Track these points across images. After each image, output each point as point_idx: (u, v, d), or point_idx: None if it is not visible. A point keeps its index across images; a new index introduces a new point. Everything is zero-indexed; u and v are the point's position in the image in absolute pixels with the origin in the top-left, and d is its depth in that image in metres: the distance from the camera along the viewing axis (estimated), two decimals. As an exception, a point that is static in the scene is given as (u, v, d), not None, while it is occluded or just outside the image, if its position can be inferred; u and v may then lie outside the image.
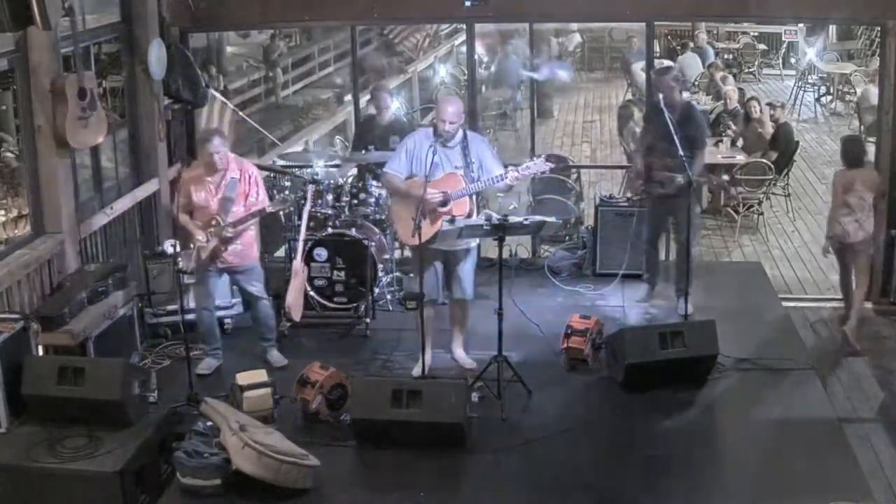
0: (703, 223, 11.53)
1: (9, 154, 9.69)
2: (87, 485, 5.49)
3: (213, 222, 6.86)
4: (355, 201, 8.24)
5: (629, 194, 8.17)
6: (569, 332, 7.11)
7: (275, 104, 17.64)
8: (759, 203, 11.59)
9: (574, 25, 20.05)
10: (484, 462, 5.93)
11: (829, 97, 17.53)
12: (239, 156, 7.31)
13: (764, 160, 11.58)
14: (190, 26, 9.14)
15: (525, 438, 6.16)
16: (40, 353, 6.42)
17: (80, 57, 7.19)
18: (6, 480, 5.58)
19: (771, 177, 11.47)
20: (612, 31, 21.64)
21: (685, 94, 14.54)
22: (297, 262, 7.61)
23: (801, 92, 17.54)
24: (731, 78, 15.82)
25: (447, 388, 6.12)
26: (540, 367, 7.02)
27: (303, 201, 7.83)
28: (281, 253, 8.55)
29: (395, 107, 9.27)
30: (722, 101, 13.74)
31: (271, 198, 7.43)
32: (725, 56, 19.60)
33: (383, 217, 8.17)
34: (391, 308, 8.11)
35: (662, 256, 8.78)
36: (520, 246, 9.49)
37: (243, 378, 6.41)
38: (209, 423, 5.79)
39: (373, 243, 7.93)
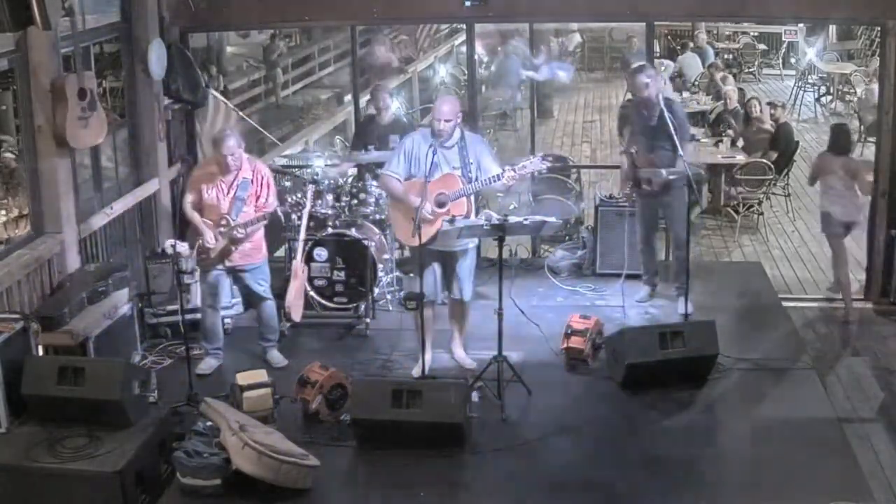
0: (703, 223, 11.58)
1: (8, 154, 9.69)
2: (87, 485, 5.49)
3: (224, 222, 6.85)
4: (355, 201, 8.24)
5: (619, 194, 8.18)
6: (569, 332, 7.11)
7: (275, 104, 17.64)
8: (759, 203, 11.59)
9: (574, 25, 20.05)
10: (484, 462, 5.93)
11: (829, 97, 17.53)
12: (250, 156, 7.30)
13: (764, 160, 11.58)
14: (190, 26, 9.14)
15: (525, 438, 6.16)
16: (40, 353, 6.42)
17: (80, 57, 7.19)
18: (6, 480, 5.58)
19: (771, 177, 11.47)
20: (612, 31, 21.64)
21: (684, 94, 14.61)
22: (297, 262, 7.62)
23: (801, 92, 17.54)
24: (731, 78, 15.80)
25: (447, 388, 6.12)
26: (540, 367, 7.02)
27: (303, 201, 7.83)
28: (281, 253, 8.55)
29: (395, 107, 9.26)
30: (722, 101, 13.74)
31: (282, 201, 7.43)
32: (725, 56, 19.60)
33: (383, 217, 8.17)
34: (391, 308, 8.11)
35: (661, 256, 8.80)
36: (520, 246, 9.49)
37: (243, 378, 6.41)
38: (209, 423, 5.79)
39: (373, 243, 7.93)
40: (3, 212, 8.88)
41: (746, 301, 8.25)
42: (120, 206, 8.14)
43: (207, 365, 7.15)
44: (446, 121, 6.58)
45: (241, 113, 11.38)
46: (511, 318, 7.04)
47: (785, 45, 20.54)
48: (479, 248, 7.39)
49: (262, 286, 7.15)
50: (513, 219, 6.52)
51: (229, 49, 18.08)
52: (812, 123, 16.57)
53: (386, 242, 8.23)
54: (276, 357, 7.26)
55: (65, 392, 5.95)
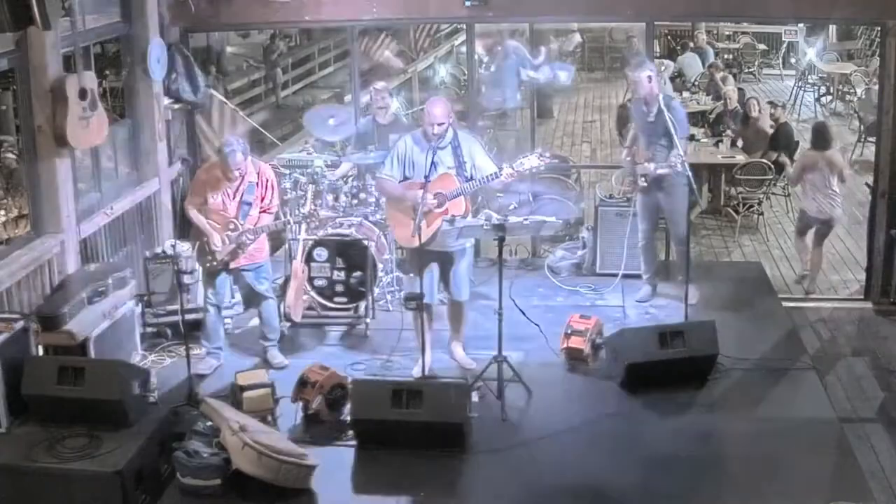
0: (702, 223, 11.58)
1: (10, 155, 9.69)
2: (87, 485, 5.49)
3: (232, 226, 6.86)
4: (355, 201, 8.24)
5: (619, 193, 8.19)
6: (569, 332, 7.11)
7: (275, 104, 17.64)
8: (759, 203, 11.58)
9: (574, 25, 20.04)
10: (484, 462, 5.93)
11: (829, 97, 17.53)
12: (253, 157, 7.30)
13: (764, 160, 11.58)
14: (190, 26, 9.14)
15: (525, 438, 6.16)
16: (40, 353, 6.42)
17: (80, 57, 7.19)
18: (6, 480, 5.58)
19: (771, 177, 11.47)
20: (612, 31, 21.64)
21: (684, 94, 14.61)
22: (297, 262, 7.61)
23: (801, 92, 17.52)
24: (731, 78, 15.81)
25: (447, 388, 6.13)
26: (540, 367, 7.02)
27: (303, 201, 7.82)
28: (281, 253, 8.55)
29: (395, 107, 9.25)
30: (722, 101, 13.74)
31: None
32: (725, 56, 19.60)
33: (383, 217, 8.17)
34: (391, 308, 8.11)
35: (662, 256, 8.79)
36: (520, 246, 9.49)
37: (243, 378, 6.41)
38: (209, 423, 5.79)
39: (373, 243, 7.93)
40: (2, 212, 8.89)
41: (746, 301, 8.24)
42: (120, 206, 8.14)
43: (207, 365, 7.15)
44: (439, 124, 6.59)
45: (241, 113, 11.39)
46: (511, 318, 7.04)
47: (785, 45, 20.53)
48: (476, 247, 7.38)
49: (264, 285, 7.16)
50: (513, 219, 6.53)
51: (229, 49, 18.08)
52: (812, 123, 16.56)
53: (386, 242, 8.24)
54: (277, 357, 7.26)
55: (65, 392, 5.95)
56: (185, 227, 7.31)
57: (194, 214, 6.96)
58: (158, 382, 6.50)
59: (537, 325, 7.52)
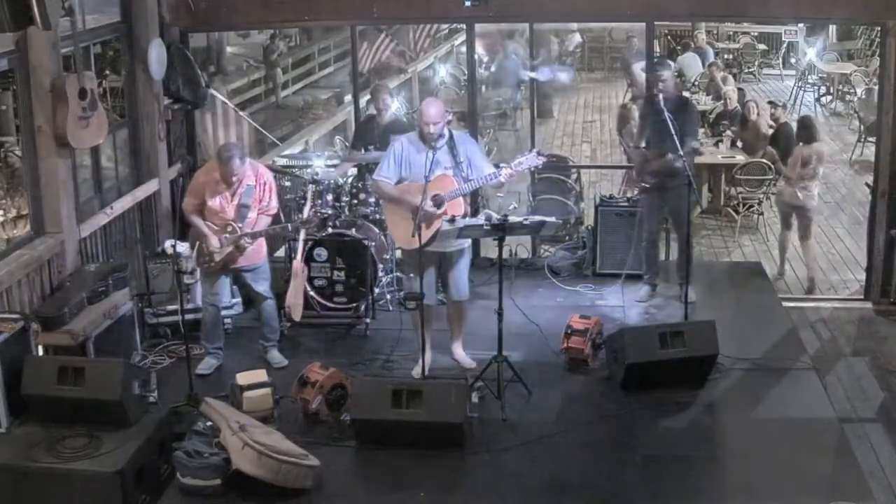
0: (702, 223, 11.59)
1: (14, 154, 9.70)
2: (87, 485, 5.49)
3: (230, 228, 6.86)
4: (355, 201, 8.24)
5: (629, 193, 8.18)
6: (569, 332, 7.11)
7: (275, 104, 17.65)
8: (759, 203, 11.59)
9: (574, 25, 20.04)
10: (484, 462, 5.93)
11: (829, 97, 17.53)
12: (251, 159, 7.30)
13: (764, 160, 11.58)
14: (190, 26, 9.14)
15: (525, 438, 6.16)
16: (40, 353, 6.42)
17: (80, 57, 7.19)
18: (6, 480, 5.58)
19: (771, 177, 11.47)
20: (612, 31, 21.64)
21: (684, 94, 14.60)
22: (297, 262, 7.62)
23: (801, 92, 17.53)
24: (731, 78, 15.81)
25: (447, 388, 6.12)
26: (540, 367, 7.02)
27: (302, 201, 7.82)
28: (281, 253, 8.56)
29: (395, 107, 9.26)
30: (722, 101, 13.74)
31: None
32: (725, 56, 19.60)
33: (383, 217, 8.17)
34: (391, 308, 8.11)
35: (662, 256, 8.79)
36: (520, 246, 9.49)
37: (243, 378, 6.41)
38: (209, 423, 5.79)
39: (373, 243, 7.93)
40: (2, 212, 8.89)
41: (746, 301, 8.25)
42: (120, 206, 8.14)
43: (207, 365, 7.15)
44: (434, 124, 6.58)
45: (241, 113, 11.39)
46: (511, 318, 7.05)
47: (785, 45, 20.54)
48: (474, 247, 7.37)
49: (262, 285, 7.16)
50: (513, 219, 6.52)
51: (229, 49, 18.10)
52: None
53: (386, 242, 8.23)
54: (276, 357, 7.26)
55: (65, 392, 5.95)
56: (184, 228, 7.31)
57: (191, 215, 6.97)
58: (158, 382, 6.49)
59: (537, 325, 7.52)
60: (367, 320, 7.82)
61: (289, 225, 7.10)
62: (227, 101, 10.96)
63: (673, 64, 17.37)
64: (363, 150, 8.67)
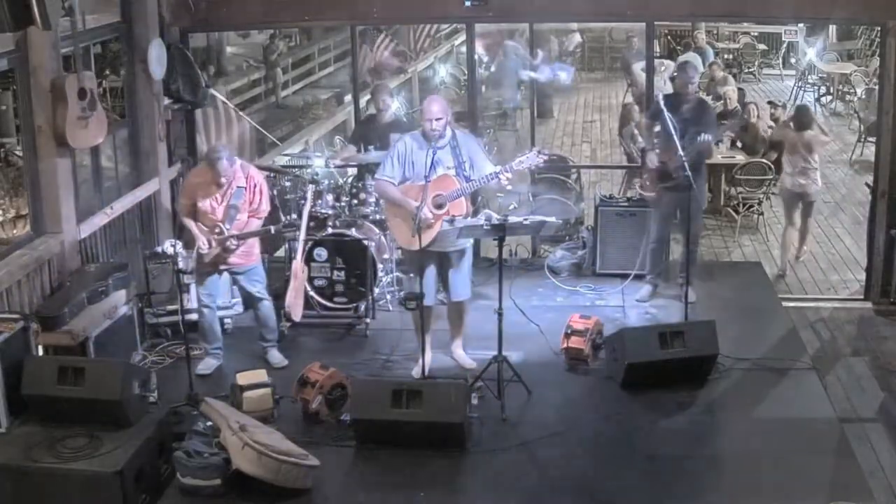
0: (703, 223, 11.57)
1: (14, 155, 9.71)
2: (87, 485, 5.48)
3: (217, 230, 6.87)
4: (355, 201, 8.24)
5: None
6: (569, 332, 7.11)
7: (275, 104, 17.65)
8: (759, 203, 11.59)
9: (574, 25, 20.05)
10: (484, 462, 5.93)
11: (829, 97, 17.53)
12: (244, 161, 7.29)
13: (764, 160, 11.58)
14: (190, 26, 9.13)
15: (525, 438, 6.16)
16: (40, 353, 6.42)
17: (80, 57, 7.19)
18: (6, 480, 5.58)
19: (771, 177, 11.47)
20: (612, 31, 21.65)
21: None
22: (297, 263, 7.61)
23: (801, 92, 17.53)
24: (731, 78, 15.80)
25: (447, 388, 6.12)
26: (540, 367, 7.02)
27: (302, 201, 7.83)
28: (281, 253, 8.56)
29: (395, 107, 9.26)
30: (721, 101, 13.72)
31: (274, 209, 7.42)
32: (725, 56, 19.60)
33: (383, 217, 8.17)
34: (391, 308, 8.11)
35: (665, 257, 8.79)
36: (520, 246, 9.49)
37: (243, 378, 6.41)
38: (209, 423, 5.79)
39: (373, 243, 7.93)
40: (1, 212, 8.89)
41: (746, 301, 8.25)
42: (120, 206, 8.14)
43: (207, 365, 7.15)
44: (437, 119, 6.57)
45: (241, 113, 11.39)
46: (511, 318, 7.04)
47: (785, 45, 20.54)
48: (475, 247, 7.37)
49: (256, 287, 7.16)
50: (513, 219, 6.52)
51: (229, 49, 18.10)
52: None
53: (386, 242, 8.23)
54: (276, 357, 7.26)
55: (65, 392, 5.95)
56: (182, 229, 7.32)
57: (183, 216, 6.99)
58: (158, 382, 6.49)
59: (537, 325, 7.52)
60: (367, 320, 7.81)
61: (271, 228, 7.08)
62: (227, 101, 10.96)
63: (673, 64, 17.43)
64: (363, 150, 8.67)
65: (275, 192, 8.31)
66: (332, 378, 6.39)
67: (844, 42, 20.11)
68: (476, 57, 10.89)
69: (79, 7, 7.18)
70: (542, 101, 16.87)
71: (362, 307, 7.91)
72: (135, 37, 8.44)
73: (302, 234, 7.65)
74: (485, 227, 6.50)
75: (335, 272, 7.96)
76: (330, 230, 7.96)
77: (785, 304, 8.46)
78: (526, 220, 6.60)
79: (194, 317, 7.26)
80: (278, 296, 7.59)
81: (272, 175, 8.86)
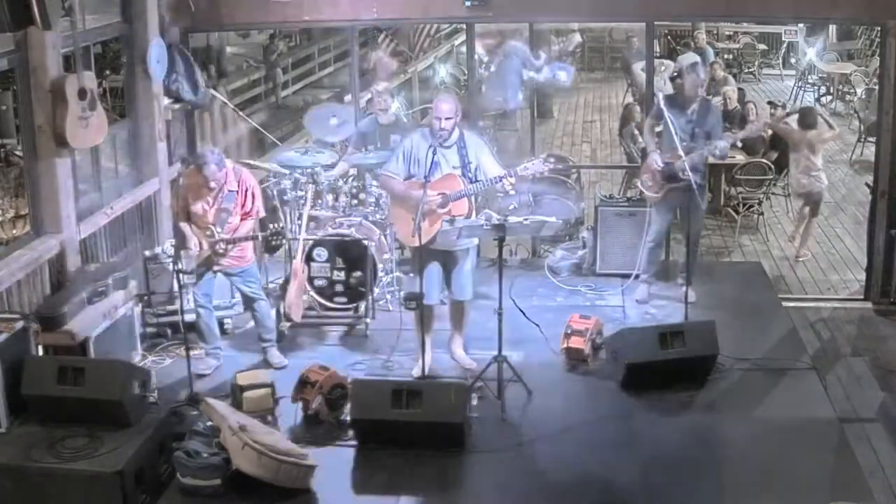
0: (703, 224, 11.57)
1: (14, 155, 9.70)
2: (87, 485, 5.49)
3: (209, 232, 6.88)
4: (355, 201, 8.24)
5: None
6: (569, 332, 7.11)
7: (275, 104, 17.64)
8: (759, 203, 11.59)
9: (574, 25, 20.02)
10: (484, 462, 5.93)
11: (829, 97, 17.52)
12: (237, 162, 7.30)
13: (764, 160, 11.59)
14: (190, 26, 9.14)
15: (525, 438, 6.16)
16: (40, 353, 6.42)
17: (81, 57, 7.19)
18: (6, 480, 5.58)
19: (771, 177, 11.47)
20: (612, 31, 21.64)
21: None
22: (297, 262, 7.61)
23: (801, 92, 17.53)
24: (731, 78, 15.80)
25: (447, 388, 6.12)
26: (540, 367, 7.02)
27: (302, 201, 7.83)
28: (281, 253, 8.55)
29: (395, 107, 9.25)
30: (721, 101, 13.71)
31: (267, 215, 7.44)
32: (725, 56, 19.59)
33: (383, 217, 8.17)
34: (391, 308, 8.11)
35: (662, 256, 8.80)
36: (520, 246, 9.49)
37: (243, 378, 6.41)
38: (209, 423, 5.79)
39: (373, 243, 7.93)
40: (1, 212, 8.89)
41: (746, 301, 8.25)
42: (120, 206, 8.14)
43: (207, 365, 7.15)
44: (447, 119, 6.57)
45: (241, 113, 11.39)
46: (511, 318, 7.04)
47: (785, 45, 20.54)
48: (478, 248, 7.37)
49: (251, 287, 7.16)
50: (513, 219, 6.52)
51: (229, 49, 18.09)
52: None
53: (386, 242, 8.23)
54: (276, 357, 7.26)
55: (65, 392, 5.95)
56: (176, 230, 7.34)
57: (175, 218, 7.00)
58: (158, 382, 6.49)
59: (537, 325, 7.52)
60: (367, 320, 7.81)
61: (259, 234, 7.09)
62: (227, 101, 10.96)
63: (673, 64, 17.44)
64: (363, 151, 8.67)
65: (275, 193, 8.31)
66: (332, 378, 6.39)
67: (844, 42, 20.10)
68: (476, 57, 10.89)
69: (79, 7, 7.19)
70: (542, 101, 16.85)
71: (362, 307, 7.91)
72: (135, 37, 8.44)
73: (302, 234, 7.66)
74: (485, 227, 6.50)
75: (335, 272, 7.96)
76: (330, 230, 7.96)
77: (785, 304, 8.46)
78: (526, 220, 6.60)
79: (194, 316, 7.27)
80: (278, 296, 7.59)
81: (272, 175, 8.86)
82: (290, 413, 6.39)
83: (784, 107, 13.57)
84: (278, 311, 7.55)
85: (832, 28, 19.45)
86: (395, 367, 7.17)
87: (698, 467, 5.86)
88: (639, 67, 15.69)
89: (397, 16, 9.63)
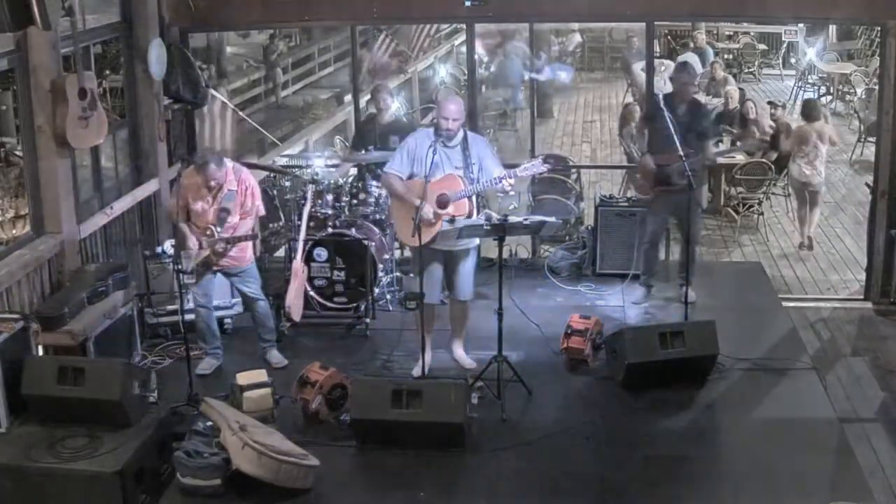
0: (703, 224, 11.58)
1: (14, 155, 9.71)
2: (87, 485, 5.49)
3: (209, 232, 6.88)
4: (355, 201, 8.23)
5: (640, 195, 8.12)
6: (569, 332, 7.11)
7: (275, 104, 17.65)
8: (759, 203, 11.59)
9: (574, 25, 20.05)
10: (484, 462, 5.93)
11: (829, 97, 17.53)
12: (237, 162, 7.29)
13: (764, 160, 11.59)
14: (190, 26, 9.14)
15: (525, 438, 6.15)
16: (40, 353, 6.42)
17: (80, 57, 7.19)
18: (6, 480, 5.58)
19: (771, 177, 11.48)
20: (612, 31, 21.64)
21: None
22: (297, 263, 7.61)
23: (801, 92, 17.53)
24: (731, 78, 15.80)
25: (447, 388, 6.11)
26: (540, 367, 7.02)
27: (302, 201, 7.83)
28: (281, 253, 8.55)
29: (395, 107, 9.26)
30: (723, 101, 13.73)
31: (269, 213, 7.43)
32: (725, 56, 19.60)
33: (383, 217, 8.17)
34: (391, 308, 8.11)
35: (662, 256, 8.79)
36: (520, 246, 9.49)
37: (243, 378, 6.41)
38: (209, 423, 5.79)
39: (373, 243, 7.93)
40: (1, 212, 8.89)
41: (746, 301, 8.25)
42: (120, 206, 8.14)
43: (207, 365, 7.15)
44: (454, 120, 6.58)
45: (241, 113, 11.39)
46: (511, 318, 7.04)
47: (785, 45, 20.54)
48: (479, 248, 7.38)
49: (250, 287, 7.16)
50: (513, 219, 6.52)
51: (229, 49, 18.10)
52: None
53: (386, 242, 8.23)
54: (276, 357, 7.26)
55: (65, 392, 5.95)
56: (177, 228, 7.32)
57: (175, 217, 6.99)
58: (158, 382, 6.49)
59: (537, 325, 7.52)
60: (367, 320, 7.81)
61: (257, 234, 7.09)
62: (227, 101, 10.96)
63: (673, 64, 17.45)
64: (363, 151, 8.67)
65: (275, 193, 8.31)
66: (332, 378, 6.39)
67: (844, 42, 20.10)
68: (476, 57, 10.90)
69: (79, 7, 7.19)
70: (542, 101, 16.87)
71: (362, 307, 7.91)
72: (135, 37, 8.44)
73: (302, 234, 7.66)
74: (485, 228, 6.50)
75: (335, 272, 7.96)
76: (330, 230, 7.96)
77: (785, 304, 8.46)
78: (526, 220, 6.60)
79: (194, 316, 7.26)
80: (278, 296, 7.59)
81: (272, 175, 8.87)
82: (290, 413, 6.39)
83: (784, 107, 13.57)
84: (278, 311, 7.55)
85: (832, 28, 19.46)
86: (395, 367, 7.17)
87: (698, 467, 5.86)
88: (639, 67, 15.71)
89: (397, 16, 9.63)
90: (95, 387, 5.92)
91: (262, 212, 7.22)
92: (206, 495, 5.52)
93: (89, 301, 6.88)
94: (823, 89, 17.67)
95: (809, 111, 11.19)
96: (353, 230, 7.97)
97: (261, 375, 6.48)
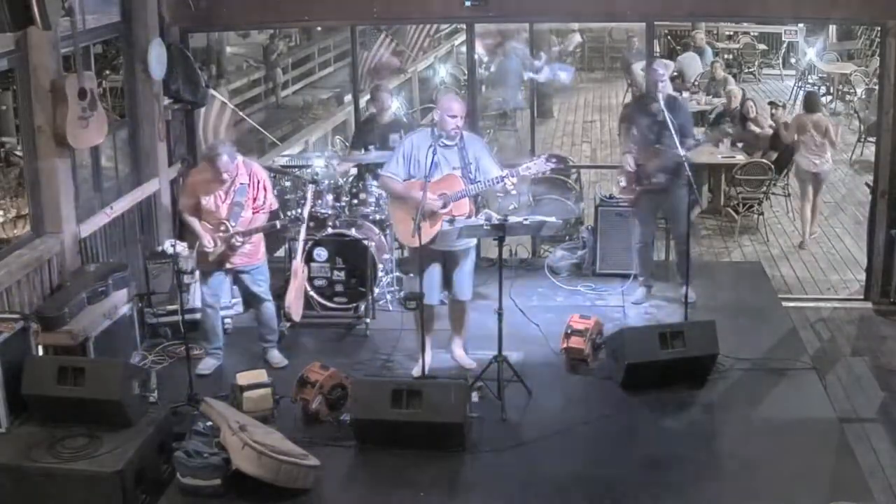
0: (702, 223, 11.59)
1: (14, 155, 9.70)
2: (87, 485, 5.48)
3: (223, 227, 6.85)
4: (355, 201, 8.24)
5: (626, 196, 8.15)
6: (569, 332, 7.11)
7: (275, 104, 17.65)
8: (759, 203, 11.59)
9: (574, 25, 20.05)
10: (484, 462, 5.93)
11: (829, 97, 17.52)
12: (246, 158, 7.29)
13: (764, 160, 11.59)
14: (190, 26, 9.14)
15: (525, 438, 6.16)
16: (40, 353, 6.42)
17: (80, 57, 7.19)
18: (6, 480, 5.58)
19: (771, 177, 11.47)
20: (612, 31, 21.65)
21: (684, 94, 14.60)
22: (297, 262, 7.62)
23: (801, 92, 17.50)
24: (731, 78, 15.80)
25: (447, 388, 6.12)
26: (540, 367, 7.02)
27: (302, 201, 7.83)
28: (281, 253, 8.55)
29: (395, 107, 9.26)
30: (724, 101, 13.72)
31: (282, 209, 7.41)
32: (725, 56, 19.59)
33: (383, 217, 8.17)
34: (391, 308, 8.11)
35: (662, 256, 8.79)
36: (520, 246, 9.49)
37: (243, 378, 6.41)
38: (209, 423, 5.79)
39: (373, 243, 7.93)
40: (2, 212, 8.89)
41: (746, 301, 8.25)
42: (120, 206, 8.14)
43: (207, 365, 7.15)
44: (461, 117, 6.60)
45: (241, 113, 11.39)
46: (511, 318, 7.04)
47: (785, 45, 20.54)
48: (478, 247, 7.38)
49: (261, 287, 7.15)
50: (513, 219, 6.51)
51: (229, 49, 18.09)
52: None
53: (386, 242, 8.24)
54: (276, 357, 7.26)
55: (65, 392, 5.95)
56: (183, 229, 7.32)
57: (186, 215, 6.97)
58: (158, 382, 6.49)
59: (537, 325, 7.52)
60: (367, 320, 7.81)
61: (277, 222, 7.06)
62: (227, 101, 10.95)
63: (672, 64, 17.45)
64: (363, 151, 8.67)
65: (275, 193, 8.30)
66: (332, 378, 6.39)
67: (844, 42, 20.10)
68: (476, 57, 10.90)
69: (79, 7, 7.19)
70: (542, 101, 16.87)
71: (362, 307, 7.91)
72: (135, 37, 8.44)
73: (302, 234, 7.65)
74: (485, 227, 6.50)
75: (335, 272, 7.97)
76: (330, 230, 7.96)
77: (785, 304, 8.46)
78: (526, 220, 6.60)
79: (195, 316, 7.27)
80: (279, 296, 7.59)
81: (272, 175, 8.86)
82: (290, 413, 6.40)
83: (784, 107, 13.57)
84: (278, 311, 7.55)
85: (832, 28, 19.46)
86: (395, 367, 7.17)
87: (698, 467, 5.86)
88: (639, 67, 15.69)
89: (397, 16, 9.63)
90: (95, 387, 5.92)
91: (276, 205, 7.21)
92: (206, 495, 5.52)
93: (89, 301, 6.88)
94: (823, 89, 17.66)
95: (810, 102, 11.46)
96: (353, 230, 7.97)
97: (261, 375, 6.49)
